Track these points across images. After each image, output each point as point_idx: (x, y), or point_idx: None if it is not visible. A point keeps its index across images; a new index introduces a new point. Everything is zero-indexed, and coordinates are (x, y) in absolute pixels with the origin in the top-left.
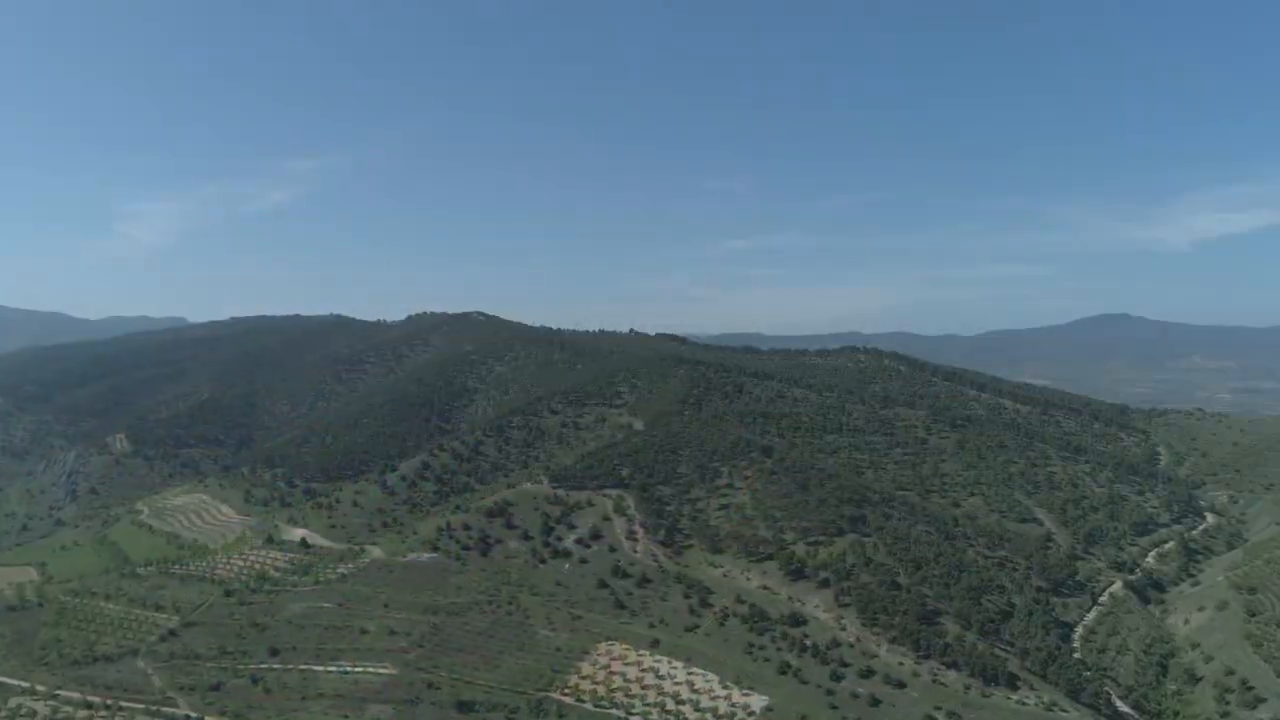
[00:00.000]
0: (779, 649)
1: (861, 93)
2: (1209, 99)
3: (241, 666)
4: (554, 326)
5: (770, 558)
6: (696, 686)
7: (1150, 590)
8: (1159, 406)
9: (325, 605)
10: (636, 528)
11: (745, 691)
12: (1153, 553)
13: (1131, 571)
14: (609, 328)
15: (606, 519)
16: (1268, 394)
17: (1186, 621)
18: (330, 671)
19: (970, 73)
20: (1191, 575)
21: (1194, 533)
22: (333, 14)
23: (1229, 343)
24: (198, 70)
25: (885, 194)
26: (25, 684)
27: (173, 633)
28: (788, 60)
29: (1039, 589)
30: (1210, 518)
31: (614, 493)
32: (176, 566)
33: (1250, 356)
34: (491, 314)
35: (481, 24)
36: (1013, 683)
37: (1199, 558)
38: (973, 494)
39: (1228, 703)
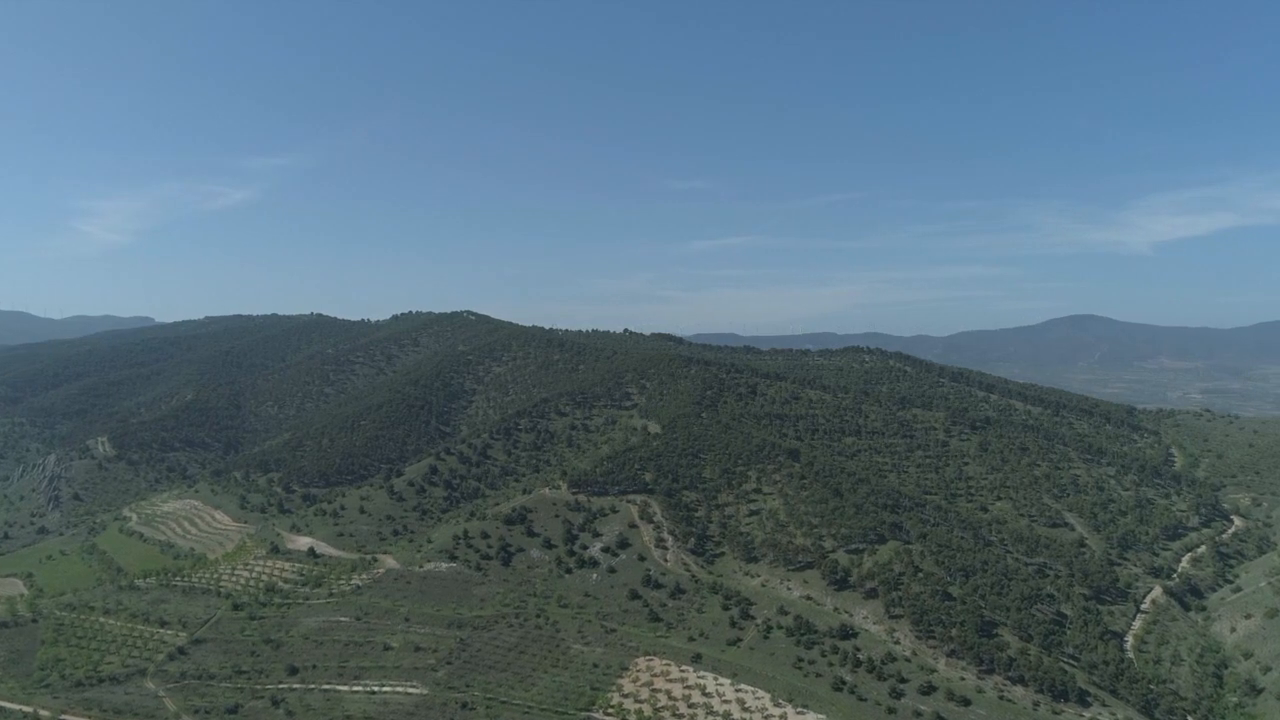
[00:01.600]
0: (830, 663)
1: (829, 95)
2: (1166, 105)
3: (259, 687)
4: (546, 326)
5: (811, 566)
6: (748, 705)
7: (1189, 596)
8: (1165, 408)
9: (342, 619)
10: (665, 535)
11: (800, 710)
12: (1186, 557)
13: (1169, 577)
14: (578, 327)
15: (632, 526)
16: (1236, 394)
17: (1234, 629)
18: (356, 692)
19: (938, 77)
20: (1229, 581)
21: (1224, 536)
22: (302, 9)
23: (1195, 344)
24: (158, 64)
25: (853, 195)
26: (26, 708)
27: (181, 650)
28: (755, 63)
29: (1084, 597)
30: (1238, 521)
31: (638, 498)
32: (177, 578)
33: (1217, 357)
34: (482, 313)
35: (460, 23)
36: (1083, 699)
37: (1232, 562)
38: (1000, 498)
39: None
